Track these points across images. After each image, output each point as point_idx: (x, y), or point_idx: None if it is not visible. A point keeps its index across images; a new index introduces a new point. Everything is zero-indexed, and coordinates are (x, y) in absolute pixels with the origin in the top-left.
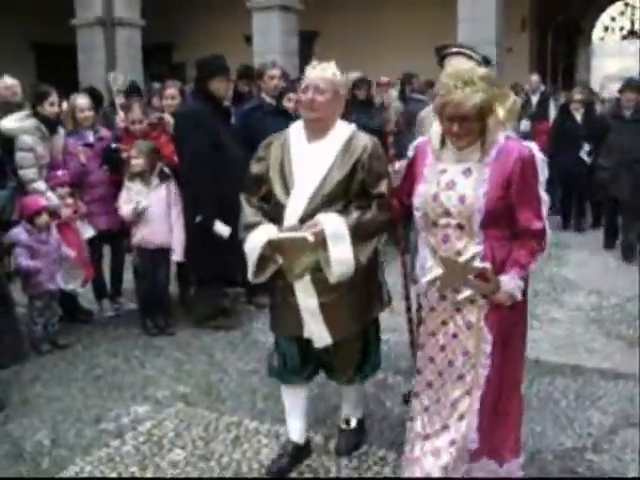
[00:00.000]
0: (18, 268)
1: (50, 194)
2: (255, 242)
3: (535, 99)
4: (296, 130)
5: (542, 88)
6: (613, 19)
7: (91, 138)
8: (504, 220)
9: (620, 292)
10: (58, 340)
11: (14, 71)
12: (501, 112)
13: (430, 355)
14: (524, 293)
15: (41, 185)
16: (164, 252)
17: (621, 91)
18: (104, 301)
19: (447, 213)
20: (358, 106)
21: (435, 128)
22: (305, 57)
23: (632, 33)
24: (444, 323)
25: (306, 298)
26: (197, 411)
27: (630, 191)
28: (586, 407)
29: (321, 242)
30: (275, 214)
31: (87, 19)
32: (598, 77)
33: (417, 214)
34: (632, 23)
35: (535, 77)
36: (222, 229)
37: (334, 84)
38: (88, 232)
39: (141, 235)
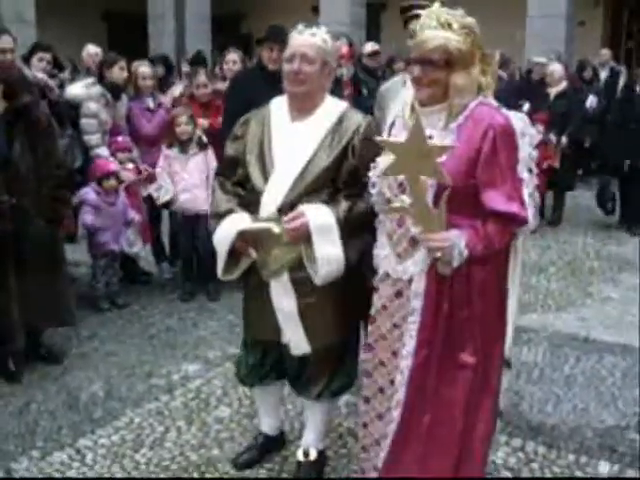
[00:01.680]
0: (83, 225)
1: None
2: (225, 233)
3: (604, 75)
4: (278, 106)
5: (612, 64)
6: None
7: (151, 104)
8: (470, 204)
9: None
10: (117, 299)
11: (86, 41)
12: (483, 77)
13: (381, 359)
14: (493, 279)
15: (104, 151)
16: (202, 218)
17: None
18: (163, 264)
19: (402, 190)
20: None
21: (408, 93)
22: (372, 29)
23: None
24: (396, 326)
25: (282, 300)
26: None
27: None
28: (632, 386)
29: (304, 236)
30: (251, 201)
31: None
32: None
33: (373, 191)
34: None
35: (605, 51)
36: None
37: (324, 52)
38: (162, 196)
39: (180, 202)
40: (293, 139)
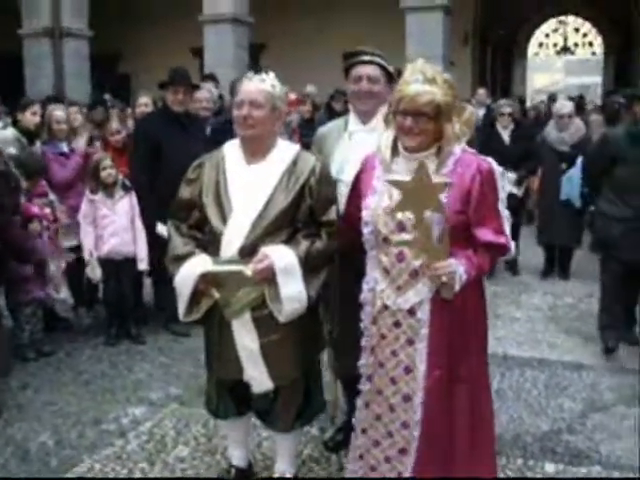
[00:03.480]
0: (9, 274)
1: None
2: (187, 275)
3: (481, 113)
4: (232, 150)
5: (488, 102)
6: (547, 35)
7: (65, 148)
8: (462, 237)
9: (574, 292)
10: (43, 348)
11: None
12: (457, 124)
13: (379, 387)
14: (477, 298)
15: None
16: (129, 262)
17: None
18: (80, 309)
19: (401, 228)
20: (334, 117)
21: (385, 137)
22: (253, 70)
23: (565, 49)
24: (394, 354)
25: (245, 338)
26: (193, 410)
27: None
28: (556, 395)
29: (267, 277)
30: (210, 243)
31: (34, 29)
32: (530, 91)
33: (366, 230)
34: (565, 39)
35: (482, 91)
36: (164, 231)
37: (272, 97)
38: (70, 241)
39: (108, 247)
40: (249, 181)
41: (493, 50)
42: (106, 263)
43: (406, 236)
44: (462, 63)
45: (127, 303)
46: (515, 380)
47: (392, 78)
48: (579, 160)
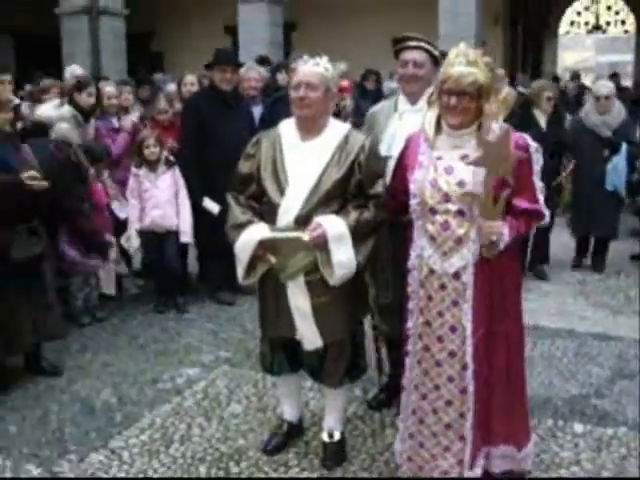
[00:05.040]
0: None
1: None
2: (247, 242)
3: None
4: (288, 128)
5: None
6: (579, 14)
7: (116, 124)
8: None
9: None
10: (97, 314)
11: None
12: (495, 104)
13: (426, 344)
14: (515, 264)
15: None
16: (172, 235)
17: None
18: (128, 278)
19: (446, 199)
20: (367, 96)
21: (429, 116)
22: (285, 48)
23: (597, 28)
24: (440, 314)
25: (298, 299)
26: (243, 372)
27: None
28: (585, 363)
29: (321, 244)
30: (267, 213)
31: (72, 7)
32: (560, 69)
33: (413, 201)
34: (597, 18)
35: (522, 75)
36: (211, 206)
37: (326, 80)
38: (123, 212)
39: (150, 219)
40: (304, 157)
41: (524, 29)
42: (148, 235)
43: (451, 206)
44: (493, 43)
45: (171, 274)
46: (546, 349)
47: (437, 61)
48: (624, 147)
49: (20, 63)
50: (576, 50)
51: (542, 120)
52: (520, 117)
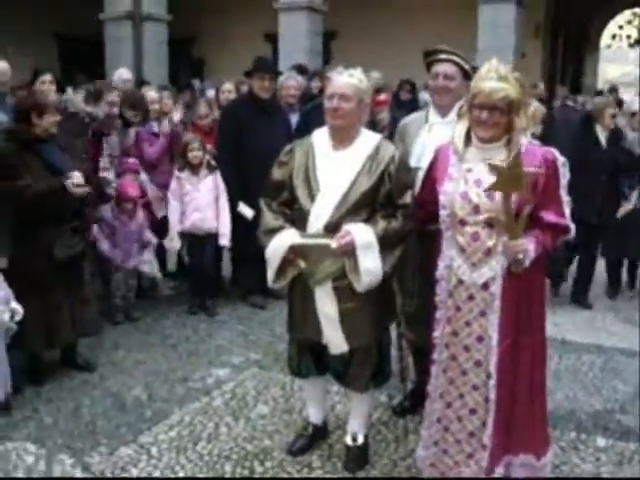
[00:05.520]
0: (99, 250)
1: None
2: (277, 246)
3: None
4: (320, 137)
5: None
6: (621, 27)
7: (156, 128)
8: (529, 220)
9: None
10: (132, 313)
11: (38, 62)
12: (524, 119)
13: (453, 353)
14: (541, 277)
15: (110, 174)
16: (211, 237)
17: None
18: (162, 279)
19: (476, 210)
20: (402, 106)
21: (458, 129)
22: (324, 57)
23: (639, 42)
24: (468, 324)
25: (326, 305)
26: (271, 374)
27: None
28: (610, 378)
29: (349, 251)
30: (298, 219)
31: (116, 13)
32: (601, 82)
33: (443, 213)
34: (639, 31)
35: (540, 85)
36: (246, 211)
37: (360, 91)
38: (161, 211)
39: (191, 221)
40: (336, 166)
41: (564, 42)
42: (189, 237)
43: (481, 218)
44: (533, 55)
45: (206, 276)
46: (572, 363)
47: (468, 75)
48: None
49: (64, 67)
50: (619, 63)
51: (603, 137)
52: (581, 134)
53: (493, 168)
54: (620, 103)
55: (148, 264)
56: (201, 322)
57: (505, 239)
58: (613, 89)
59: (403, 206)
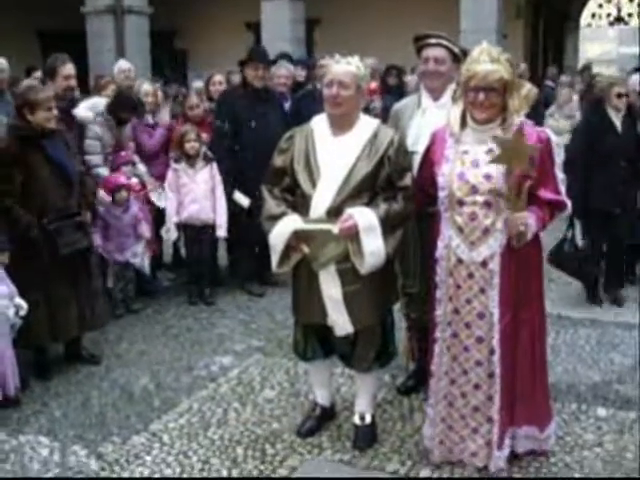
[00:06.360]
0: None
1: (140, 165)
2: (281, 232)
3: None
4: (320, 123)
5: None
6: (600, 6)
7: (151, 120)
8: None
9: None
10: (133, 305)
11: (20, 59)
12: (517, 99)
13: (455, 330)
14: (538, 252)
15: (104, 171)
16: (208, 228)
17: None
18: (160, 272)
19: (474, 191)
20: (390, 92)
21: (453, 111)
22: (307, 44)
23: (618, 20)
24: (468, 302)
25: (330, 287)
26: (275, 360)
27: None
28: (607, 351)
29: (351, 235)
30: (300, 205)
31: (97, 7)
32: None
33: (442, 194)
34: (618, 10)
35: (523, 66)
36: (241, 199)
37: (357, 78)
38: (162, 202)
39: (188, 213)
40: (336, 151)
41: (545, 21)
42: (186, 228)
43: (479, 198)
44: (514, 35)
45: (204, 266)
46: (569, 337)
47: (458, 58)
48: None
49: (46, 61)
50: (599, 42)
51: (617, 120)
52: (594, 120)
53: (498, 141)
54: (593, 79)
55: (139, 257)
56: (201, 312)
57: (508, 212)
58: (586, 67)
59: (403, 188)
